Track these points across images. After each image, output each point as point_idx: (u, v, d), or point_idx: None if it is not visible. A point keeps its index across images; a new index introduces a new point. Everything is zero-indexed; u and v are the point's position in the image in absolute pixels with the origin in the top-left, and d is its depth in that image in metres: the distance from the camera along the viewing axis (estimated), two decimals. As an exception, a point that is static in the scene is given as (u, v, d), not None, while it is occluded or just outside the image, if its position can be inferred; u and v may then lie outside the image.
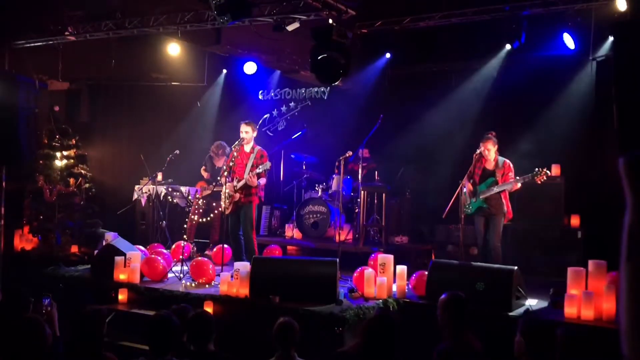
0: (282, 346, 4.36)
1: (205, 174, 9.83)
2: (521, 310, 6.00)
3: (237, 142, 8.00)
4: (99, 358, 3.97)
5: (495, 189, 7.34)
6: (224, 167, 7.96)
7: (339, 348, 4.42)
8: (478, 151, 7.50)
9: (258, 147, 8.02)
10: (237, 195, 7.84)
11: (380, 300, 6.44)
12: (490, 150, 7.40)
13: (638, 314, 1.61)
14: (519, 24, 7.87)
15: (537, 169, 7.08)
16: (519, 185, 7.28)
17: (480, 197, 7.44)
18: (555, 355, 3.63)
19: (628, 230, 1.67)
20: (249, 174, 7.74)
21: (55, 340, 4.15)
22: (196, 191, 9.72)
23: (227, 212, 7.93)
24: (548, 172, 7.13)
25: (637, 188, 1.67)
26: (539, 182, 7.14)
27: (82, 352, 3.97)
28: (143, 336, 3.91)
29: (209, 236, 9.80)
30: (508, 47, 8.48)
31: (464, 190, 7.56)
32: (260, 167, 7.75)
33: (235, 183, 7.87)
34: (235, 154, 7.99)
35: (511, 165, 7.47)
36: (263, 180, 7.96)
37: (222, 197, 7.98)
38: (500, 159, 7.51)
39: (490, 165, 7.52)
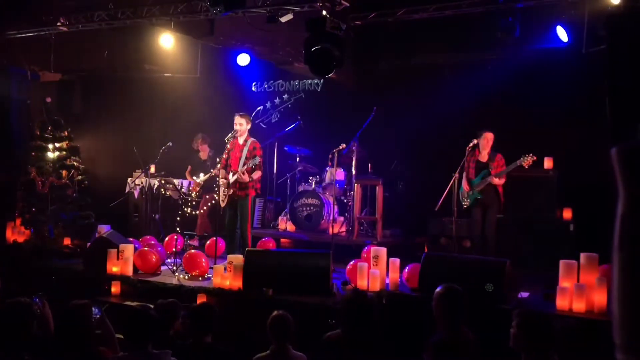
0: (276, 340, 4.36)
1: (189, 177, 9.82)
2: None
3: (230, 134, 7.97)
4: (89, 353, 3.96)
5: (489, 179, 7.67)
6: (218, 160, 7.94)
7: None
8: (471, 144, 7.65)
9: (251, 139, 8.01)
10: (232, 189, 7.82)
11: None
12: (490, 141, 7.76)
13: (629, 303, 1.62)
14: (513, 17, 7.86)
15: (523, 155, 7.49)
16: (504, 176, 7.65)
17: (476, 189, 7.73)
18: (551, 347, 3.65)
19: (620, 221, 1.68)
20: (240, 170, 7.71)
21: (48, 339, 4.13)
22: (189, 184, 9.70)
23: (223, 204, 7.93)
24: (534, 157, 7.48)
25: (629, 179, 1.68)
26: (526, 166, 7.48)
27: (71, 347, 3.97)
28: (123, 329, 3.96)
29: (195, 228, 9.81)
30: (501, 40, 8.47)
31: (461, 185, 7.77)
32: (250, 162, 7.73)
33: (230, 177, 7.86)
34: (229, 146, 7.98)
35: (503, 158, 7.77)
36: (258, 174, 7.95)
37: (221, 190, 7.96)
38: (493, 152, 7.81)
39: (484, 158, 7.80)
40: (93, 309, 4.39)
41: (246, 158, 7.82)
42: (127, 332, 3.90)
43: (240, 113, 8.12)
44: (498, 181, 7.65)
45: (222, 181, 7.92)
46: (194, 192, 9.41)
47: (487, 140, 7.79)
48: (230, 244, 8.02)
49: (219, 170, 7.93)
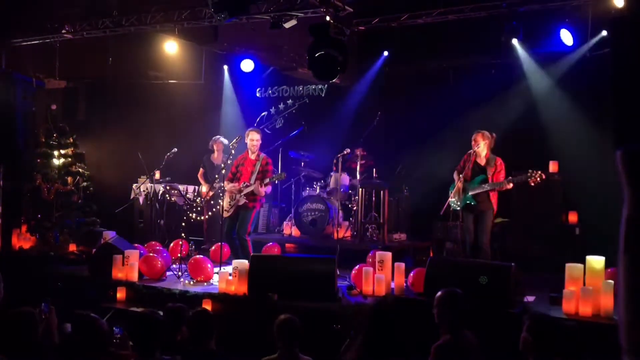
0: (284, 343, 4.35)
1: (202, 181, 9.74)
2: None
3: (234, 139, 7.99)
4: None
5: (487, 187, 7.20)
6: (222, 167, 7.94)
7: (341, 349, 4.39)
8: (471, 151, 7.41)
9: (263, 155, 7.99)
10: (243, 200, 7.80)
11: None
12: (478, 143, 7.27)
13: (635, 305, 1.61)
14: (517, 21, 7.87)
15: (530, 171, 6.91)
16: (511, 185, 7.11)
17: (470, 193, 7.30)
18: (560, 351, 3.64)
19: (625, 224, 1.67)
20: (258, 184, 7.67)
21: (52, 347, 4.11)
22: (194, 189, 9.70)
23: (227, 214, 7.87)
24: (543, 175, 6.90)
25: (633, 182, 1.68)
26: (533, 184, 6.89)
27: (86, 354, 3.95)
28: (129, 334, 3.91)
29: (204, 234, 9.80)
30: (506, 43, 8.48)
31: (453, 183, 7.48)
32: (274, 177, 7.73)
33: (242, 187, 7.80)
34: (237, 160, 7.99)
35: (503, 163, 7.33)
36: (269, 189, 8.00)
37: (226, 200, 7.92)
38: (492, 156, 7.36)
39: (481, 161, 7.38)
40: (115, 329, 4.35)
41: (258, 172, 7.79)
42: (135, 337, 3.87)
43: (255, 128, 8.13)
44: (508, 187, 7.07)
45: (232, 190, 7.84)
46: (207, 198, 9.35)
47: (475, 141, 7.30)
48: (234, 251, 8.00)
49: (228, 183, 7.91)
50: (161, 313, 4.47)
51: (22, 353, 3.57)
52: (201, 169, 9.81)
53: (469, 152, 7.45)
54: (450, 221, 7.93)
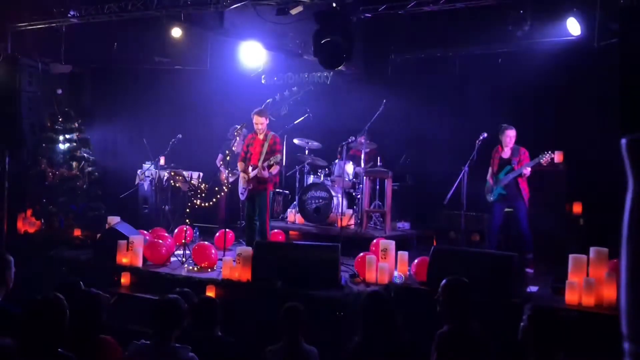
0: (288, 332, 4.35)
1: (223, 164, 9.69)
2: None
3: (239, 126, 7.99)
4: (95, 341, 3.96)
5: (511, 175, 7.75)
6: (226, 154, 7.95)
7: (343, 337, 4.40)
8: (481, 137, 7.80)
9: (271, 133, 8.00)
10: (252, 184, 7.84)
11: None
12: (512, 138, 7.81)
13: (638, 294, 1.61)
14: (524, 10, 7.82)
15: (541, 153, 7.51)
16: (529, 169, 7.63)
17: (500, 184, 7.82)
18: (560, 341, 3.63)
19: (629, 212, 1.67)
20: (260, 166, 7.69)
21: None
22: (198, 175, 9.71)
23: (243, 198, 7.98)
24: (552, 154, 7.59)
25: (638, 171, 1.67)
26: (545, 163, 7.57)
27: (78, 334, 3.95)
28: (149, 318, 3.87)
29: (216, 221, 9.79)
30: (512, 32, 8.43)
31: (487, 179, 8.01)
32: (272, 159, 7.74)
33: (250, 171, 7.85)
34: (250, 141, 8.00)
35: (527, 152, 7.80)
36: (276, 169, 7.98)
37: (240, 183, 8.01)
38: (516, 147, 7.84)
39: (506, 154, 7.88)
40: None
41: (267, 153, 7.80)
42: (154, 321, 3.81)
43: (259, 111, 8.05)
44: (526, 171, 7.64)
45: (242, 175, 7.93)
46: (225, 182, 9.33)
47: (509, 138, 7.82)
48: (249, 235, 8.03)
49: (242, 164, 7.94)
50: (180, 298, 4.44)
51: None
52: (220, 155, 9.73)
53: (495, 148, 7.97)
54: (454, 210, 8.17)
